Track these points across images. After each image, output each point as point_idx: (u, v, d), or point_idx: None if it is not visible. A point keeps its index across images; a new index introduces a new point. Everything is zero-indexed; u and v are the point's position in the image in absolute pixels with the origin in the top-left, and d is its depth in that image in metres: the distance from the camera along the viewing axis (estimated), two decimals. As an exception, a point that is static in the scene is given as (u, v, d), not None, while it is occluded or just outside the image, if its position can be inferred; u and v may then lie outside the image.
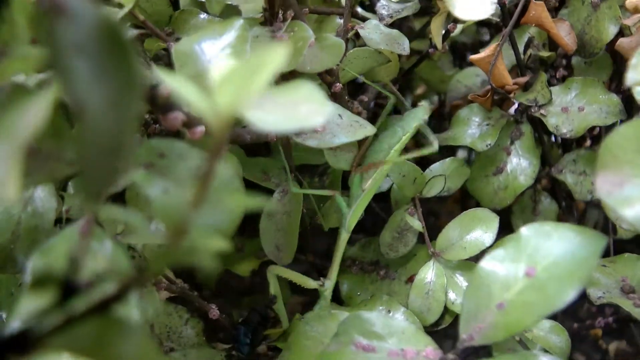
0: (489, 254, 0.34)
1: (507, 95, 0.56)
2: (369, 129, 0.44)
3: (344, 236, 0.53)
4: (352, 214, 0.53)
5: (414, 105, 0.88)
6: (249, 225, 0.58)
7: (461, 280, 0.53)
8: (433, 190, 0.57)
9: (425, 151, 0.52)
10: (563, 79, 0.64)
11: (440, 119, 0.85)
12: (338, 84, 0.51)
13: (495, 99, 0.58)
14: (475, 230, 0.53)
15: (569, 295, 0.31)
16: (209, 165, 0.22)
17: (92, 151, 0.19)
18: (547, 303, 0.32)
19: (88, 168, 0.19)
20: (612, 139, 0.33)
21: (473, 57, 0.54)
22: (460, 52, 0.83)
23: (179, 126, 0.31)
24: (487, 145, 0.57)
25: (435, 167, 0.59)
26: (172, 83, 0.21)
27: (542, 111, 0.57)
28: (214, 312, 0.52)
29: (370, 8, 0.67)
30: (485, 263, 0.34)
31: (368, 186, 0.53)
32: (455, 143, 0.57)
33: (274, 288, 0.54)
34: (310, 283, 0.53)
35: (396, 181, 0.56)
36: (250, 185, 0.57)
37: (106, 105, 0.19)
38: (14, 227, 0.43)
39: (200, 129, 0.33)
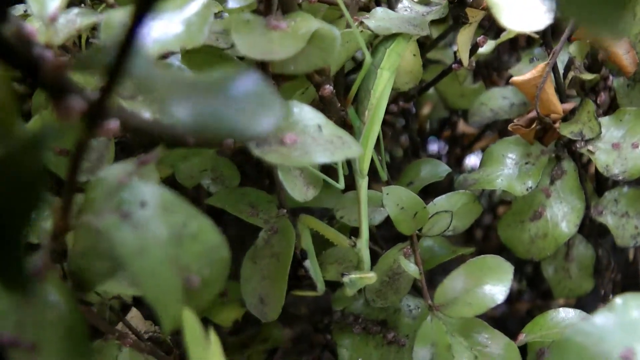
0: (575, 327, 0.28)
1: (552, 125, 0.46)
2: (353, 149, 0.33)
3: (360, 183, 0.44)
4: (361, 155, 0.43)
5: (421, 125, 0.80)
6: (235, 262, 0.48)
7: (463, 343, 0.43)
8: (436, 228, 0.47)
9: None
10: (608, 107, 0.55)
11: (453, 144, 0.75)
12: (328, 86, 0.41)
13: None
14: (485, 282, 0.43)
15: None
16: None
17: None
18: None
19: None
20: None
21: (515, 79, 0.44)
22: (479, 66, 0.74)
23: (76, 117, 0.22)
24: (528, 189, 0.46)
25: (441, 201, 0.48)
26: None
27: (589, 147, 0.48)
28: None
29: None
30: (569, 336, 0.28)
31: (367, 117, 0.43)
32: (489, 187, 0.47)
33: (305, 241, 0.44)
34: (343, 240, 0.44)
35: (392, 214, 0.45)
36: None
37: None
38: None
39: (115, 123, 0.24)
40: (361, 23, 0.42)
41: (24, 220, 0.21)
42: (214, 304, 0.52)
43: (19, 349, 0.24)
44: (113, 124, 0.24)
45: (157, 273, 0.24)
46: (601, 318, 0.28)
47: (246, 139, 0.23)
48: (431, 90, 0.73)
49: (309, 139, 0.32)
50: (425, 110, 0.76)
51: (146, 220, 0.25)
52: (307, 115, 0.34)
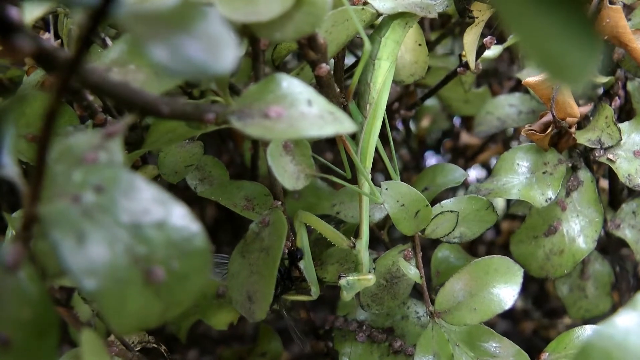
0: (600, 329, 0.25)
1: (568, 129, 0.42)
2: (345, 125, 0.29)
3: (362, 180, 0.40)
4: (362, 150, 0.40)
5: (420, 138, 0.76)
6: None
7: (468, 353, 0.39)
8: (440, 229, 0.43)
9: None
10: (621, 111, 0.51)
11: (456, 156, 0.71)
12: (324, 65, 0.36)
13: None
14: (491, 285, 0.39)
15: None
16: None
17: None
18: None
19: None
20: None
21: (529, 80, 0.40)
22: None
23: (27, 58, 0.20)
24: (547, 200, 0.42)
25: (448, 204, 0.44)
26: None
27: (609, 155, 0.44)
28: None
29: None
30: (591, 341, 0.25)
31: (369, 111, 0.40)
32: (505, 197, 0.43)
33: (301, 240, 0.41)
34: (341, 240, 0.40)
35: (392, 211, 0.41)
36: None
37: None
38: None
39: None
40: (365, 3, 0.38)
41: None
42: (209, 305, 0.48)
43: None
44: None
45: (104, 265, 0.22)
46: (623, 318, 0.25)
47: (211, 75, 0.21)
48: (431, 102, 0.69)
49: (297, 113, 0.28)
50: (425, 122, 0.72)
51: (97, 207, 0.23)
52: (296, 89, 0.30)
